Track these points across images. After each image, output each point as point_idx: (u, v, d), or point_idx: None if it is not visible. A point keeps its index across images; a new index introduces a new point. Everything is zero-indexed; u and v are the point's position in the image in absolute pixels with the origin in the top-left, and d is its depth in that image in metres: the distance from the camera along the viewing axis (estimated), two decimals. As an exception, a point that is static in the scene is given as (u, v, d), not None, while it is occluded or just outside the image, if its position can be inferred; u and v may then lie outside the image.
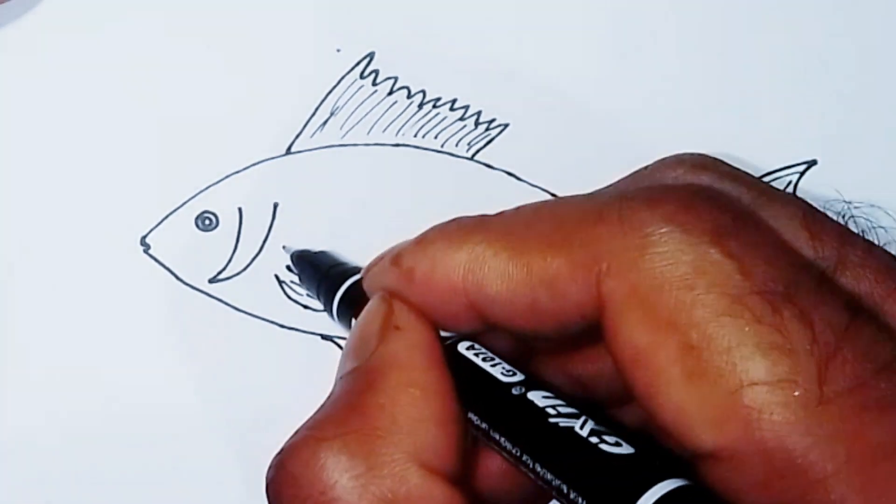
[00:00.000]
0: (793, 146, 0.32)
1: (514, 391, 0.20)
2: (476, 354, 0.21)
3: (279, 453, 0.20)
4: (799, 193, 0.32)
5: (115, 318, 0.31)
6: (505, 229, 0.20)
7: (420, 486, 0.18)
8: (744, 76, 0.32)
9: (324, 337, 0.31)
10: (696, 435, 0.17)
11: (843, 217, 0.21)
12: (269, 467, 0.20)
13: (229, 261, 0.31)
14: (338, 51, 0.31)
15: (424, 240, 0.21)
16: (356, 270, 0.26)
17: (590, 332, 0.19)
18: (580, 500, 0.18)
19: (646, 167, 0.22)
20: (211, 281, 0.31)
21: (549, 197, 0.31)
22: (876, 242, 0.19)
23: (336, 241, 0.31)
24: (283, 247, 0.30)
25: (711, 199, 0.18)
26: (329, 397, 0.21)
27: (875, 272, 0.18)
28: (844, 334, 0.16)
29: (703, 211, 0.18)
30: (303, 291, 0.31)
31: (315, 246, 0.31)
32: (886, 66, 0.32)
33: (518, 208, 0.21)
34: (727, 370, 0.16)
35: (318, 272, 0.28)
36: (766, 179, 0.32)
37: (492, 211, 0.31)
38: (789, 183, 0.32)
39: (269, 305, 0.31)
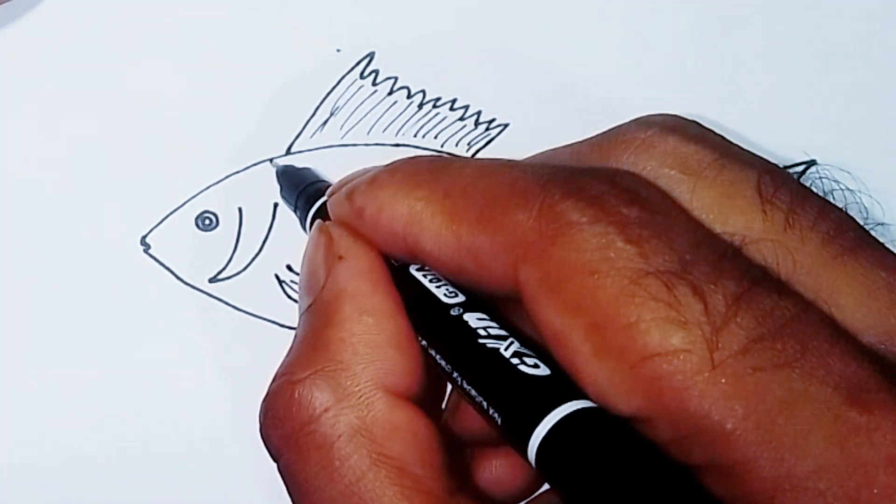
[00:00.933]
0: (793, 146, 0.32)
1: (453, 312, 0.21)
2: (424, 276, 0.22)
3: (264, 399, 0.22)
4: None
5: (116, 317, 0.31)
6: (445, 191, 0.21)
7: (385, 410, 0.20)
8: (744, 76, 0.32)
9: (324, 337, 0.31)
10: (612, 404, 0.18)
11: (822, 191, 0.21)
12: (259, 413, 0.22)
13: (229, 261, 0.31)
14: (338, 51, 0.31)
15: (375, 181, 0.22)
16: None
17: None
18: (496, 416, 0.19)
19: (622, 125, 0.23)
20: (211, 281, 0.31)
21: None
22: (835, 203, 0.20)
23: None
24: (271, 160, 0.31)
25: (624, 192, 0.19)
26: (294, 337, 0.22)
27: (824, 233, 0.19)
28: (738, 303, 0.17)
29: (613, 203, 0.19)
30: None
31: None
32: (886, 66, 0.32)
33: (464, 164, 0.22)
34: (628, 345, 0.17)
35: (297, 188, 0.29)
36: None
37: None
38: (789, 183, 0.32)
39: (269, 305, 0.31)
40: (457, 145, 0.31)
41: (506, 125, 0.31)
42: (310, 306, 0.22)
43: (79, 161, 0.30)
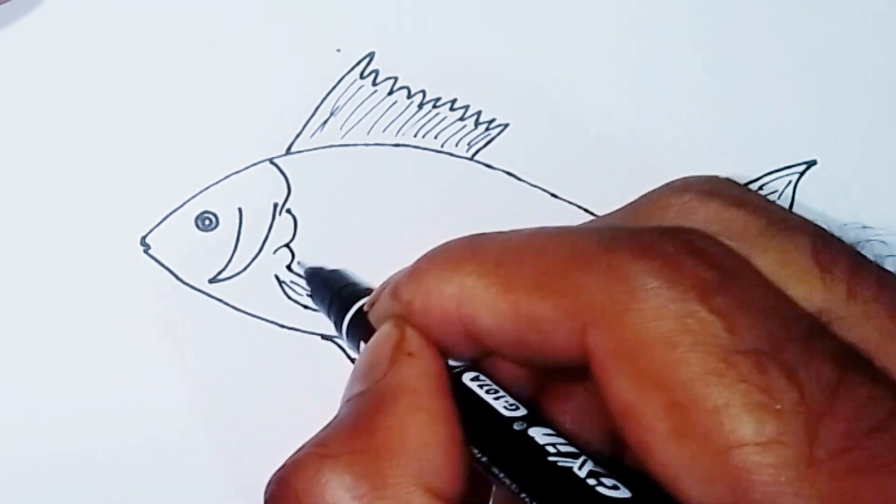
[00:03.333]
0: (793, 146, 0.32)
1: (516, 426, 0.20)
2: (480, 386, 0.21)
3: (281, 468, 0.20)
4: (799, 193, 0.32)
5: (115, 318, 0.31)
6: (495, 260, 0.20)
7: None
8: (744, 76, 0.32)
9: (324, 337, 0.31)
10: (686, 492, 0.16)
11: (858, 244, 0.20)
12: (270, 482, 0.20)
13: (229, 261, 0.31)
14: (338, 51, 0.31)
15: (417, 270, 0.21)
16: (367, 292, 0.26)
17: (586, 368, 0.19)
18: None
19: (653, 192, 0.22)
20: (211, 281, 0.31)
21: (548, 197, 0.31)
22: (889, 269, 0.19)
23: (336, 241, 0.31)
24: (298, 262, 0.30)
25: (699, 252, 0.18)
26: (336, 417, 0.21)
27: (888, 305, 0.18)
28: (835, 392, 0.16)
29: (690, 265, 0.17)
30: (303, 291, 0.31)
31: (315, 246, 0.31)
32: (887, 67, 0.32)
33: (510, 235, 0.21)
34: (714, 430, 0.16)
35: (330, 291, 0.28)
36: (765, 179, 0.32)
37: (492, 211, 0.31)
38: (789, 183, 0.32)
39: (269, 305, 0.31)
40: (457, 145, 0.31)
41: (506, 125, 0.31)
42: (361, 393, 0.21)
43: (79, 161, 0.30)
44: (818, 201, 0.32)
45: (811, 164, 0.32)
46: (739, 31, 0.32)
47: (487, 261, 0.20)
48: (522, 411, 0.20)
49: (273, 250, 0.31)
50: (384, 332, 0.22)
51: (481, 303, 0.20)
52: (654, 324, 0.17)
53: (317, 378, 0.31)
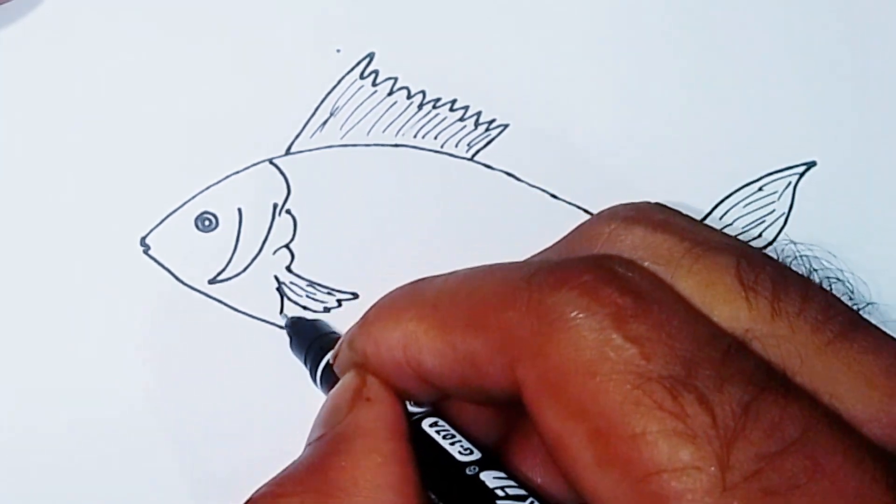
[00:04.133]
0: (793, 146, 0.32)
1: (468, 471, 0.21)
2: (438, 432, 0.22)
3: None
4: (799, 194, 0.32)
5: (115, 318, 0.31)
6: (433, 303, 0.21)
7: None
8: (744, 76, 0.32)
9: (324, 337, 0.31)
10: None
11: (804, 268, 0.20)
12: None
13: (229, 261, 0.31)
14: (338, 51, 0.31)
15: (366, 321, 0.22)
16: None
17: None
18: None
19: (583, 223, 0.22)
20: (210, 282, 0.31)
21: (548, 198, 0.31)
22: (816, 281, 0.19)
23: (336, 241, 0.31)
24: (282, 314, 0.31)
25: (615, 280, 0.18)
26: (295, 460, 0.21)
27: (813, 320, 0.18)
28: (746, 415, 0.16)
29: (606, 293, 0.18)
30: (302, 292, 0.31)
31: (315, 246, 0.31)
32: (886, 66, 0.32)
33: (447, 277, 0.21)
34: (634, 457, 0.16)
35: (306, 342, 0.29)
36: (766, 180, 0.32)
37: (492, 212, 0.31)
38: (789, 184, 0.32)
39: (268, 306, 0.31)
40: (457, 146, 0.31)
41: (506, 125, 0.31)
42: (320, 437, 0.22)
43: (79, 161, 0.30)
44: (818, 202, 0.32)
45: (811, 164, 0.32)
46: (739, 32, 0.32)
47: (426, 305, 0.21)
48: (476, 455, 0.21)
49: (273, 251, 0.31)
50: (346, 380, 0.23)
51: (423, 345, 0.20)
52: (575, 354, 0.17)
53: (317, 378, 0.30)
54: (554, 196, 0.31)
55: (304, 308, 0.31)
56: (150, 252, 0.31)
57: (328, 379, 0.26)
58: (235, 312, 0.31)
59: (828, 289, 0.19)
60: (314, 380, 0.27)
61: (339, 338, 0.27)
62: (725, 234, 0.21)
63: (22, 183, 0.30)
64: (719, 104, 0.32)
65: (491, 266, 0.21)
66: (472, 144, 0.31)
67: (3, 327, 0.30)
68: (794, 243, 0.23)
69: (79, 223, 0.30)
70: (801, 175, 0.32)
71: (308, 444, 0.22)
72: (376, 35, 0.31)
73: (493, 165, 0.32)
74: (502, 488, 0.20)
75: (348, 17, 0.31)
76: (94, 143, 0.30)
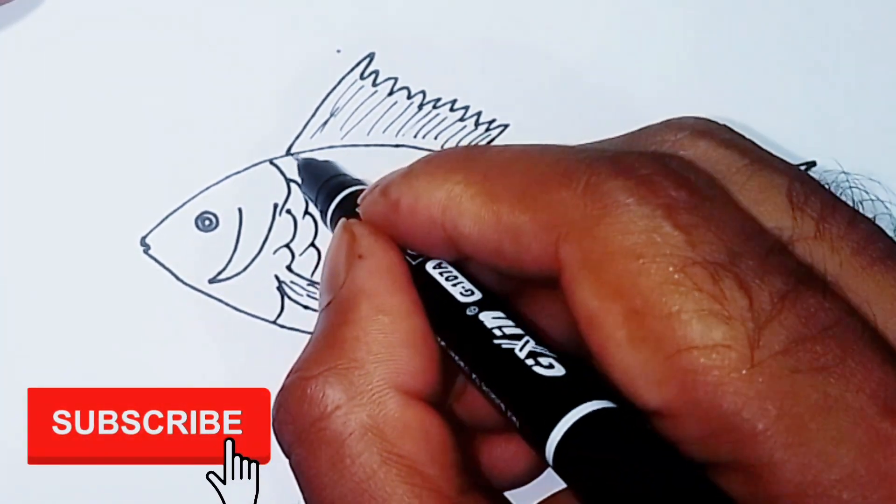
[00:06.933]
0: (793, 146, 0.32)
1: (469, 311, 0.21)
2: (441, 273, 0.22)
3: (278, 394, 0.21)
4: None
5: (115, 318, 0.31)
6: (484, 172, 0.21)
7: (396, 409, 0.20)
8: (743, 76, 0.32)
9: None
10: (640, 395, 0.17)
11: (852, 199, 0.21)
12: (272, 408, 0.22)
13: (229, 261, 0.31)
14: (338, 51, 0.31)
15: (410, 173, 0.22)
16: (354, 182, 0.27)
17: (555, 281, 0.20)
18: (514, 418, 0.19)
19: (652, 126, 0.22)
20: (211, 281, 0.31)
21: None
22: (866, 214, 0.20)
23: (336, 241, 0.31)
24: (293, 154, 0.31)
25: (673, 174, 0.19)
26: (313, 334, 0.22)
27: (854, 243, 0.19)
28: (783, 301, 0.17)
29: (663, 185, 0.18)
30: (303, 292, 0.31)
31: (315, 246, 0.31)
32: (886, 66, 0.32)
33: (502, 149, 0.21)
34: (666, 335, 0.17)
35: (319, 181, 0.29)
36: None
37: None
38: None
39: (269, 306, 0.31)
40: (457, 146, 0.31)
41: (506, 125, 0.31)
42: (328, 304, 0.22)
43: (79, 161, 0.30)
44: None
45: (811, 164, 0.32)
46: (739, 32, 0.32)
47: (476, 172, 0.21)
48: (477, 296, 0.21)
49: (273, 250, 0.31)
50: (336, 237, 0.23)
51: (465, 209, 0.21)
52: (622, 237, 0.18)
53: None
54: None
55: (305, 308, 0.31)
56: (151, 252, 0.31)
57: (339, 219, 0.26)
58: (236, 312, 0.31)
59: (872, 218, 0.20)
60: (324, 219, 0.27)
61: (353, 179, 0.28)
62: (785, 160, 0.21)
63: (22, 183, 0.30)
64: (720, 104, 0.32)
65: (548, 146, 0.21)
66: (472, 144, 0.31)
67: (3, 327, 0.30)
68: (846, 174, 0.23)
69: (79, 223, 0.30)
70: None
71: (320, 312, 0.23)
72: (376, 35, 0.31)
73: (494, 165, 0.32)
74: (500, 328, 0.20)
75: (348, 18, 0.31)
76: (94, 143, 0.30)
